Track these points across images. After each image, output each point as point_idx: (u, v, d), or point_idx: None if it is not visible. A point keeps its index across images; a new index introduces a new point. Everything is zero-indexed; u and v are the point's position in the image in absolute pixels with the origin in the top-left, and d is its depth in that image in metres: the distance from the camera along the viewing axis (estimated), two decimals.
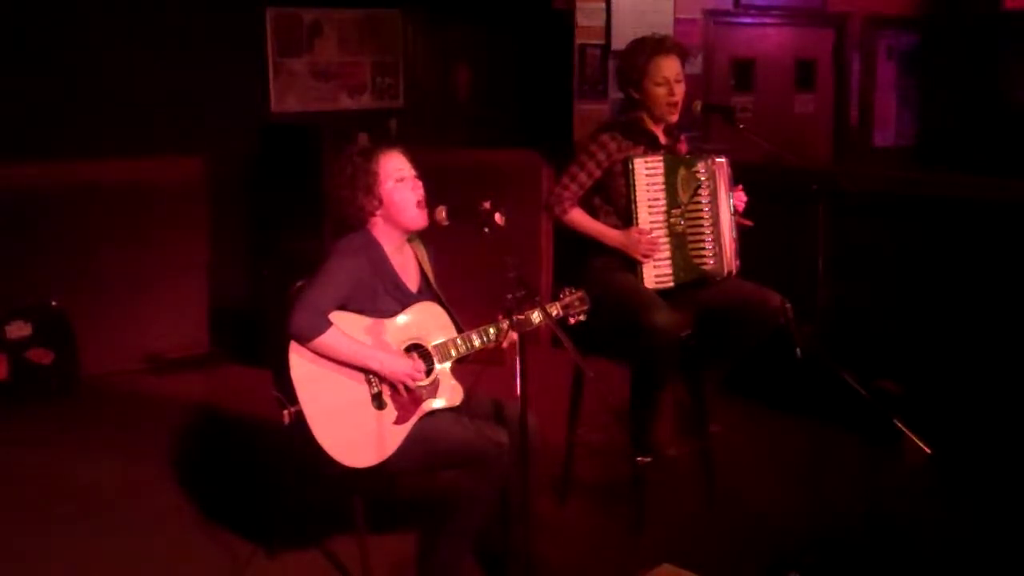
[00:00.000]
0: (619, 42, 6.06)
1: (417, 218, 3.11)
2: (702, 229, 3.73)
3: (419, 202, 3.11)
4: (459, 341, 3.14)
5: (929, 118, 7.84)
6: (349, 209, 3.10)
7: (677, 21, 6.30)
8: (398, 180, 3.09)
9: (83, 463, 4.36)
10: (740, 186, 3.84)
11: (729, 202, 3.78)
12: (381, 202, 3.08)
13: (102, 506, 3.95)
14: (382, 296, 3.08)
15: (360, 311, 3.03)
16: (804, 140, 7.21)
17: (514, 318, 2.80)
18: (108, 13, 5.63)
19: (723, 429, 4.02)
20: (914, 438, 4.27)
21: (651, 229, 3.67)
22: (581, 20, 6.17)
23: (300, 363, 2.93)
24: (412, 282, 3.20)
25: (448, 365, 3.14)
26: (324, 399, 2.94)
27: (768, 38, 7.18)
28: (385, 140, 3.22)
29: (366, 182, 3.06)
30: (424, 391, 3.08)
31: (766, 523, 3.72)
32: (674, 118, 3.72)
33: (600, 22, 6.18)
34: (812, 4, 7.26)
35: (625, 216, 3.70)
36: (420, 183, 3.14)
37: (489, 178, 5.81)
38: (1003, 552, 3.50)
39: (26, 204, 5.37)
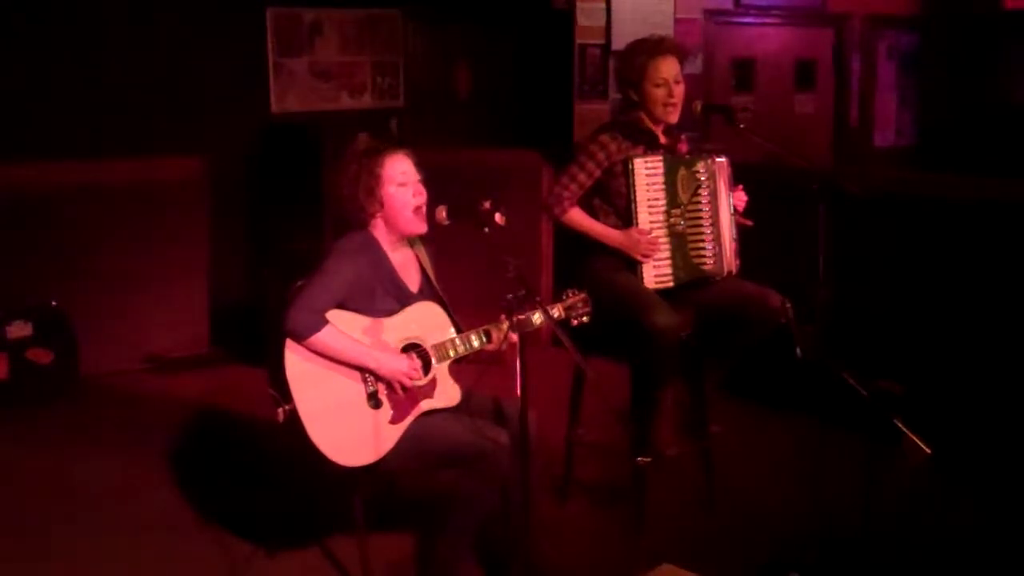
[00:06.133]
0: (619, 42, 6.06)
1: (413, 223, 3.10)
2: (702, 229, 3.73)
3: (417, 208, 3.10)
4: (457, 341, 3.14)
5: (929, 118, 7.84)
6: (350, 208, 3.10)
7: (677, 21, 6.30)
8: (400, 184, 3.08)
9: (83, 463, 4.36)
10: (740, 186, 3.84)
11: (729, 202, 3.78)
12: (382, 205, 3.08)
13: (102, 506, 3.96)
14: (381, 296, 3.08)
15: (359, 310, 3.03)
16: (804, 140, 7.20)
17: (514, 319, 2.80)
18: (108, 13, 5.63)
19: (723, 429, 4.01)
20: (914, 438, 4.26)
21: (651, 229, 3.67)
22: (581, 20, 6.17)
23: (295, 361, 2.93)
24: (412, 282, 3.20)
25: (446, 365, 3.14)
26: (319, 397, 2.94)
27: (768, 38, 7.18)
28: (389, 141, 3.20)
29: (368, 183, 3.05)
30: (421, 390, 3.08)
31: (766, 523, 3.72)
32: (673, 119, 3.71)
33: (600, 22, 6.18)
34: (812, 4, 7.26)
35: (625, 216, 3.70)
36: (423, 188, 3.13)
37: (489, 178, 5.81)
38: (1003, 552, 3.50)
39: (26, 204, 5.38)
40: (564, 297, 3.31)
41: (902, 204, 4.69)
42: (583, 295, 3.32)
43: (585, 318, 3.31)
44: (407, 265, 3.20)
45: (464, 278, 4.00)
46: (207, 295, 5.97)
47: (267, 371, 3.00)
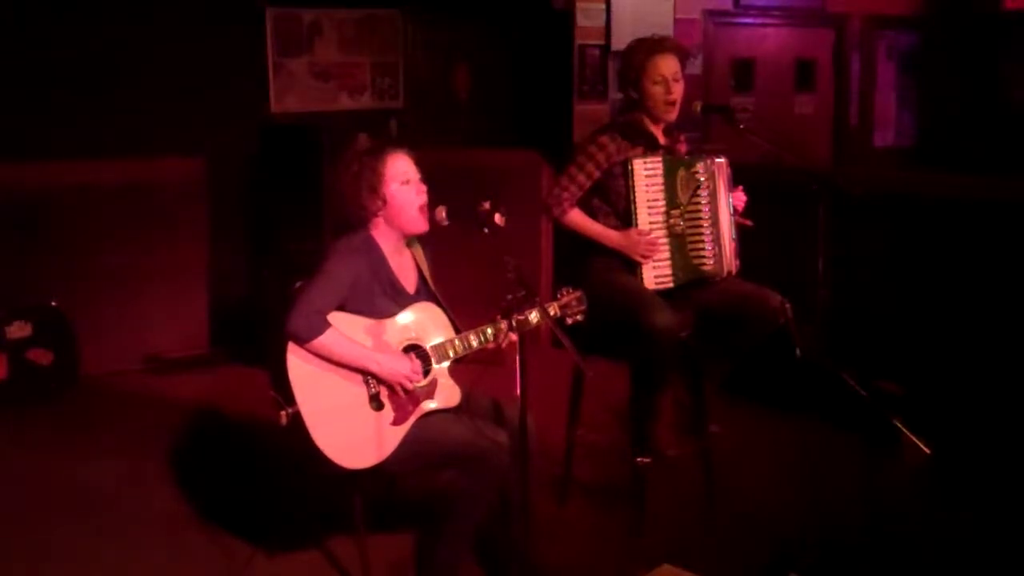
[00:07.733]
0: (619, 42, 6.07)
1: (417, 222, 3.11)
2: (701, 230, 3.73)
3: (421, 207, 3.10)
4: (457, 342, 3.13)
5: (929, 118, 7.85)
6: (351, 207, 3.09)
7: (677, 21, 6.32)
8: (403, 183, 3.08)
9: (83, 463, 4.36)
10: (740, 186, 3.84)
11: (728, 202, 3.78)
12: (385, 203, 3.08)
13: (102, 506, 3.95)
14: (380, 297, 3.08)
15: (358, 312, 3.03)
16: (804, 140, 7.21)
17: (513, 319, 2.80)
18: (107, 13, 5.63)
19: (723, 429, 4.01)
20: (914, 438, 4.27)
21: (650, 230, 3.67)
22: (581, 20, 6.18)
23: (298, 364, 2.93)
24: (410, 283, 3.20)
25: (446, 366, 3.14)
26: (321, 400, 2.94)
27: (768, 38, 7.18)
28: (390, 140, 3.20)
29: (371, 181, 3.05)
30: (422, 392, 3.08)
31: (766, 523, 3.72)
32: (672, 117, 3.71)
33: (600, 22, 6.18)
34: (812, 4, 7.27)
35: (624, 217, 3.70)
36: (424, 188, 3.13)
37: (489, 178, 5.81)
38: (1003, 552, 3.50)
39: (26, 204, 5.38)
40: (559, 296, 3.30)
41: (902, 204, 4.70)
42: (578, 293, 3.31)
43: (580, 316, 3.29)
44: (405, 266, 3.20)
45: (464, 278, 4.01)
46: (207, 295, 5.97)
47: (269, 374, 3.00)
